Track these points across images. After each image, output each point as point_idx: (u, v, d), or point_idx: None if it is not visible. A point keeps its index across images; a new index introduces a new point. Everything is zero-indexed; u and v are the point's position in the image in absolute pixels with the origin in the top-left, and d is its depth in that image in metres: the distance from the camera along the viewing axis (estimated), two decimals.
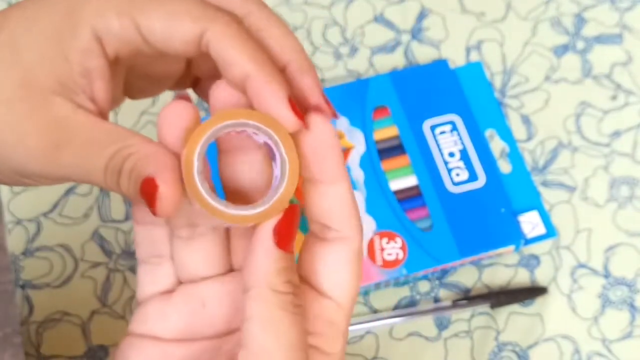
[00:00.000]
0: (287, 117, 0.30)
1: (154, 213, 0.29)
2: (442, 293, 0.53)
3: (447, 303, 0.52)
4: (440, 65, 0.58)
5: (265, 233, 0.30)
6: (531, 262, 0.54)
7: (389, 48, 0.60)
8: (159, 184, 0.29)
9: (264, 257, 0.30)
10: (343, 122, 0.56)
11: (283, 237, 0.30)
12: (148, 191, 0.29)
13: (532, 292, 0.53)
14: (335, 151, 0.31)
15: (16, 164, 0.32)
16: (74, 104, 0.32)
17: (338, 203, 0.32)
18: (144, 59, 0.33)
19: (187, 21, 0.31)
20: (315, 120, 0.31)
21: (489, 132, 0.57)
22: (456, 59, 0.60)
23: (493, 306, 0.52)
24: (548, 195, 0.56)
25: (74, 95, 0.32)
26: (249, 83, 0.30)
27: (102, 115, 0.33)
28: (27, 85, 0.31)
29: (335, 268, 0.32)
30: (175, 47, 0.31)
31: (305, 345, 0.30)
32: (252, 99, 0.31)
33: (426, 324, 0.52)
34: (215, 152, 0.33)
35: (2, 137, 0.31)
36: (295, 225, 0.31)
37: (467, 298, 0.52)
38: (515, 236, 0.53)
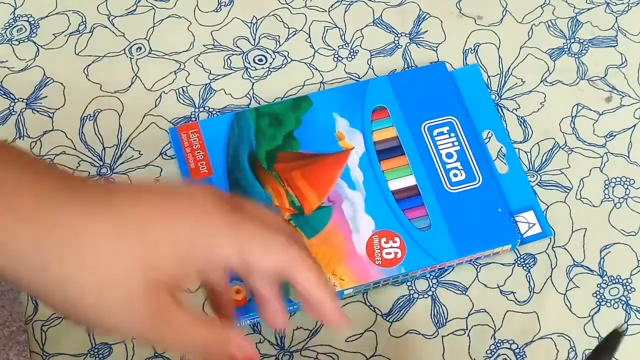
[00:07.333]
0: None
1: None
2: (439, 290, 0.53)
3: None
4: (438, 67, 0.59)
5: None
6: (527, 261, 0.54)
7: (387, 51, 0.61)
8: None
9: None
10: (343, 124, 0.56)
11: None
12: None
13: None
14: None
15: (107, 327, 0.38)
16: (173, 300, 0.37)
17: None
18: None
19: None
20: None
21: (485, 133, 0.58)
22: (454, 61, 0.61)
23: None
24: (544, 196, 0.56)
25: (174, 291, 0.37)
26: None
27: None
28: (146, 269, 0.36)
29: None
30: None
31: None
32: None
33: (424, 321, 0.52)
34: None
35: (110, 316, 0.36)
36: None
37: None
38: (512, 236, 0.53)
